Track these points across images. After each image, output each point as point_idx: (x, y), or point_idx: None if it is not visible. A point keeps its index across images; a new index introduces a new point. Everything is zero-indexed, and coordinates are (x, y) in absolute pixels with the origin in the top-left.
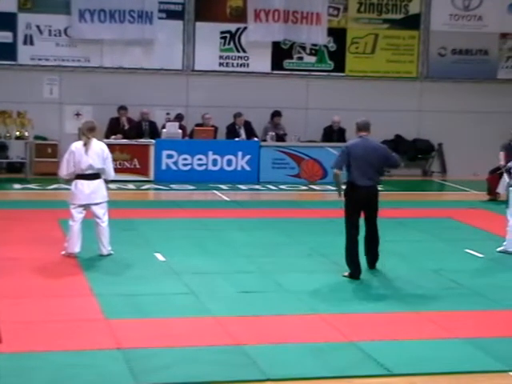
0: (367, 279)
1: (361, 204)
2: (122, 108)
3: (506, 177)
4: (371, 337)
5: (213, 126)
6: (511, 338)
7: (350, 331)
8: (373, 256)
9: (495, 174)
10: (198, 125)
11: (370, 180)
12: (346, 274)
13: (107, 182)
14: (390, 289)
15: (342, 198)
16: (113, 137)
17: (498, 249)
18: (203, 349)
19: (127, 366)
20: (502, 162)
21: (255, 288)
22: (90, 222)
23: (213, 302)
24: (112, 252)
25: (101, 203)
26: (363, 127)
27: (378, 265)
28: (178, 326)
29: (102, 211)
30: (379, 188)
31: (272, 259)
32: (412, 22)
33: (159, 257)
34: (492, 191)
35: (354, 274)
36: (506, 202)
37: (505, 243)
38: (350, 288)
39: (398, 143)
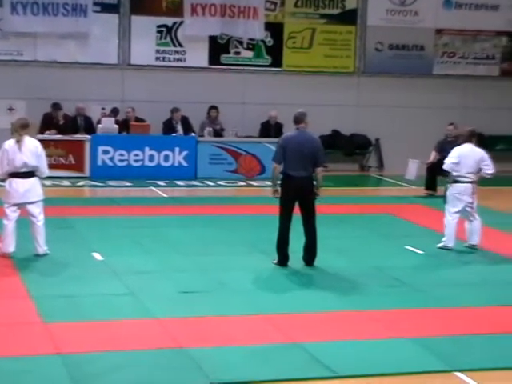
0: (309, 277)
1: (294, 194)
2: (56, 106)
3: (410, 164)
4: (316, 337)
5: (137, 119)
6: (454, 336)
7: (294, 332)
8: (310, 254)
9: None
10: (123, 121)
11: (304, 171)
12: (275, 261)
13: (41, 179)
14: (333, 287)
15: (276, 195)
16: (47, 132)
17: (438, 245)
18: (145, 352)
19: (67, 372)
20: (429, 161)
21: (196, 287)
22: (24, 221)
23: (153, 302)
24: (48, 251)
25: (36, 202)
26: (299, 119)
27: (320, 262)
28: (119, 329)
29: (37, 210)
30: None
31: (212, 257)
32: (349, 17)
33: (97, 256)
34: (430, 186)
35: (282, 261)
36: (443, 197)
37: (444, 239)
38: (292, 286)
39: (335, 138)
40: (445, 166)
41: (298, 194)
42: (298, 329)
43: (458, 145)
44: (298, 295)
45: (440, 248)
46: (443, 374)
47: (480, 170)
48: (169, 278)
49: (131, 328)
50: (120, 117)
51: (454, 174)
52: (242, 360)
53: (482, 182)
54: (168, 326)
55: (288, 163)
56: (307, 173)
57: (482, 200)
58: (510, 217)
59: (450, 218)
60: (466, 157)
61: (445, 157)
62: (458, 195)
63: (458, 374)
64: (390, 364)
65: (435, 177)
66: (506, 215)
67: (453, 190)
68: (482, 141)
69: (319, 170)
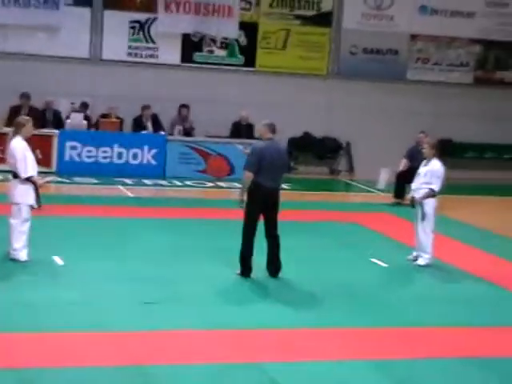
0: (270, 291)
1: (263, 205)
2: (24, 96)
3: (382, 173)
4: (274, 357)
5: (118, 118)
6: (413, 359)
7: (251, 350)
8: (275, 265)
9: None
10: (103, 115)
11: (275, 182)
12: (238, 271)
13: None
14: (294, 302)
15: (243, 198)
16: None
17: (422, 263)
18: (100, 369)
19: None
20: (400, 169)
21: (156, 298)
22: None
23: (111, 314)
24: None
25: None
26: (274, 130)
27: (283, 273)
28: (74, 342)
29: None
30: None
31: (174, 266)
32: (324, 20)
33: (57, 260)
34: (398, 194)
35: (245, 273)
36: (412, 207)
37: (427, 256)
38: (252, 300)
39: (306, 140)
40: (439, 189)
41: (266, 206)
42: (255, 347)
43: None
44: (257, 310)
45: (424, 265)
46: None
47: None
48: (128, 288)
49: (87, 341)
50: (98, 112)
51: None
52: (197, 380)
53: (451, 191)
54: (124, 340)
55: (262, 174)
56: (277, 184)
57: (450, 210)
58: (476, 229)
59: (432, 235)
60: None
61: (414, 165)
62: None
63: None
64: None
65: (404, 185)
66: (472, 227)
67: (434, 204)
68: (451, 148)
69: None
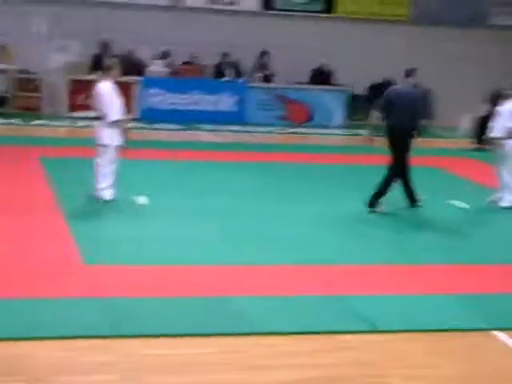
0: (366, 226)
1: (391, 144)
2: (104, 44)
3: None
4: (357, 291)
5: (198, 65)
6: (495, 294)
7: (337, 284)
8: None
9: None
10: (184, 63)
11: (399, 122)
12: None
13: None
14: (377, 239)
15: None
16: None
17: (494, 201)
18: (186, 299)
19: (106, 316)
20: (481, 114)
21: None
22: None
23: (195, 249)
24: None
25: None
26: (408, 74)
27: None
28: (161, 275)
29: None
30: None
31: (264, 206)
32: None
33: (141, 200)
34: (479, 139)
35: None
36: (492, 148)
37: (498, 195)
38: (338, 239)
39: (386, 87)
40: None
41: (392, 143)
42: (341, 281)
43: None
44: (343, 247)
45: (507, 207)
46: (483, 332)
47: None
48: (211, 224)
49: (174, 274)
50: (179, 60)
51: None
52: (284, 310)
53: None
54: (210, 273)
55: (389, 113)
56: (402, 124)
57: None
58: None
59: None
60: None
61: (495, 110)
62: None
63: (498, 332)
64: (430, 320)
65: (484, 130)
66: None
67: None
68: None
69: None
